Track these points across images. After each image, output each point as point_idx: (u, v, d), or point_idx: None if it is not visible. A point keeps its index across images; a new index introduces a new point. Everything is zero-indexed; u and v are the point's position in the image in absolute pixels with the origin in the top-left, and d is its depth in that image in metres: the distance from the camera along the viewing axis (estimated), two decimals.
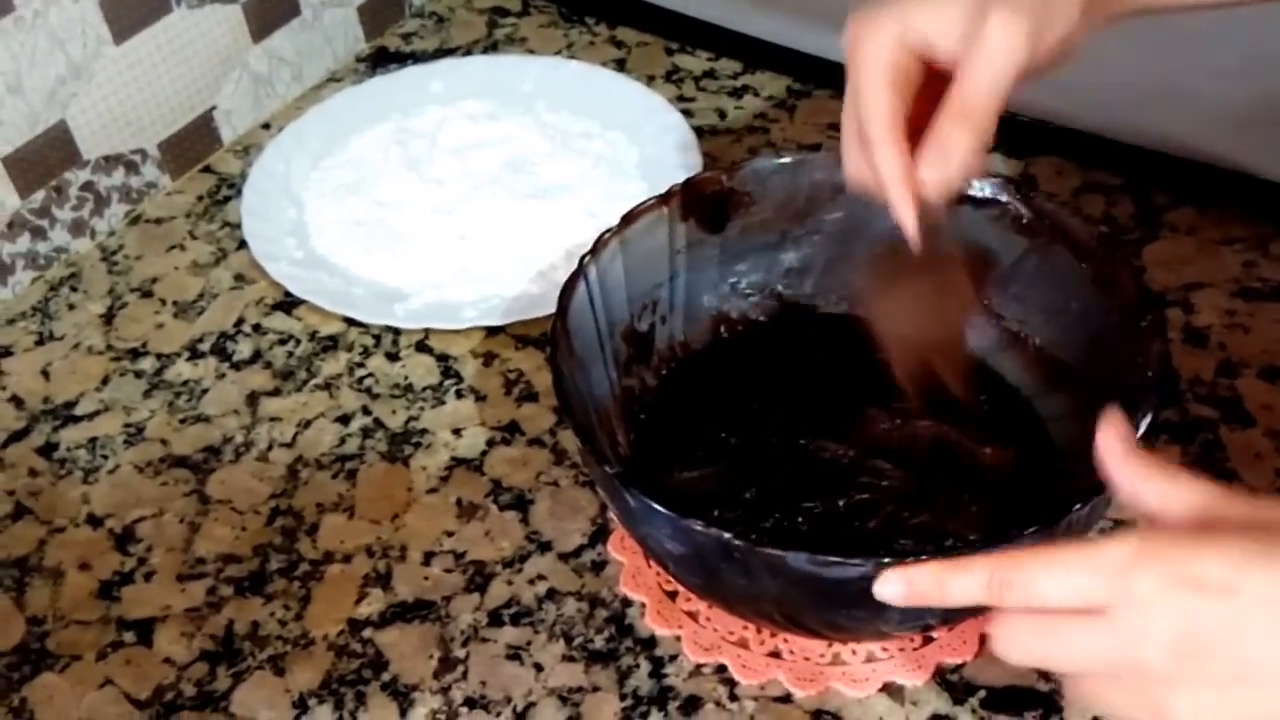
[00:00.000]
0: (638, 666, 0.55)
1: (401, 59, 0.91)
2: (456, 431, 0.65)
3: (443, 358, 0.69)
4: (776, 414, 0.60)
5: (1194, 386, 0.64)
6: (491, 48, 0.92)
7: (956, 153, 0.47)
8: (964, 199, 0.59)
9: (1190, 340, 0.66)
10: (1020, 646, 0.37)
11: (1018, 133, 0.79)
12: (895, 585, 0.40)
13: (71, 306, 0.74)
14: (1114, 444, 0.40)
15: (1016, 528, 0.44)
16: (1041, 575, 0.37)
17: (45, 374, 0.70)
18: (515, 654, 0.55)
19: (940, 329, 0.54)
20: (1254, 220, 0.72)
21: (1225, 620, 0.34)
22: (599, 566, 0.59)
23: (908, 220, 0.49)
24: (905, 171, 0.48)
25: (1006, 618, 0.38)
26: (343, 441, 0.65)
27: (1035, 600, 0.37)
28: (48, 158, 0.73)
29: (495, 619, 0.57)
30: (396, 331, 0.71)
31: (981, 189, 0.58)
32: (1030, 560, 0.37)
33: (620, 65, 0.88)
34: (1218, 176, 0.73)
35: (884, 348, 0.55)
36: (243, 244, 0.76)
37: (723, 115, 0.84)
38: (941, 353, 0.54)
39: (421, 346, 0.70)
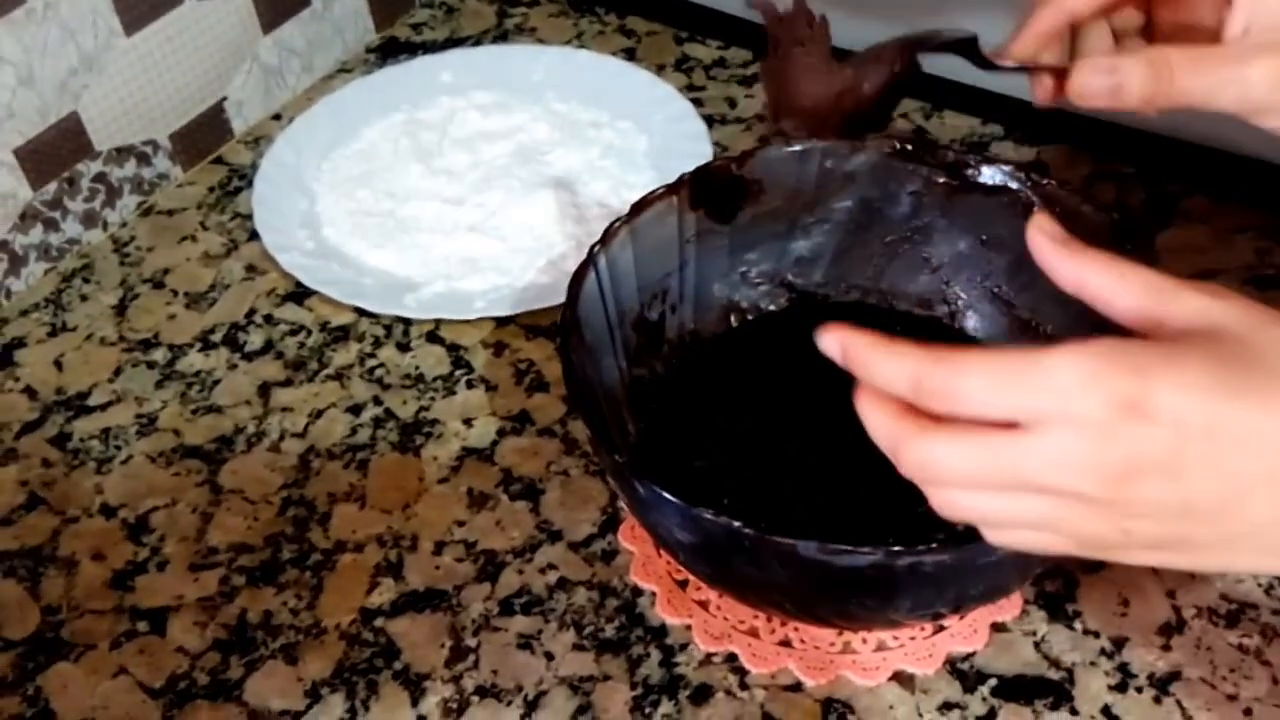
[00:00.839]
0: (648, 655, 0.55)
1: (411, 49, 0.91)
2: (467, 421, 0.65)
3: (453, 348, 0.69)
4: (786, 403, 0.60)
5: None
6: (501, 38, 0.92)
7: (1133, 86, 0.43)
8: (974, 186, 0.59)
9: None
10: (939, 464, 0.34)
11: (1030, 120, 0.78)
12: (832, 344, 0.36)
13: (84, 298, 0.74)
14: (1044, 239, 0.37)
15: None
16: (976, 389, 0.33)
17: (58, 365, 0.70)
18: (526, 643, 0.55)
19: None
20: (1268, 208, 0.72)
21: (1168, 452, 0.32)
22: (609, 556, 0.59)
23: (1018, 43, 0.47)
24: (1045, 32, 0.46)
25: (924, 437, 0.34)
26: (354, 432, 0.65)
27: (960, 410, 0.33)
28: (60, 149, 0.73)
29: (506, 608, 0.57)
30: (407, 322, 0.71)
31: (992, 176, 0.58)
32: (967, 369, 0.33)
33: (630, 55, 0.88)
34: (1231, 164, 0.73)
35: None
36: (254, 235, 0.76)
37: (733, 104, 0.84)
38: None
39: (432, 337, 0.70)
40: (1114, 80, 0.44)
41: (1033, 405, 0.33)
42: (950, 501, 0.35)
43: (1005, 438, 0.33)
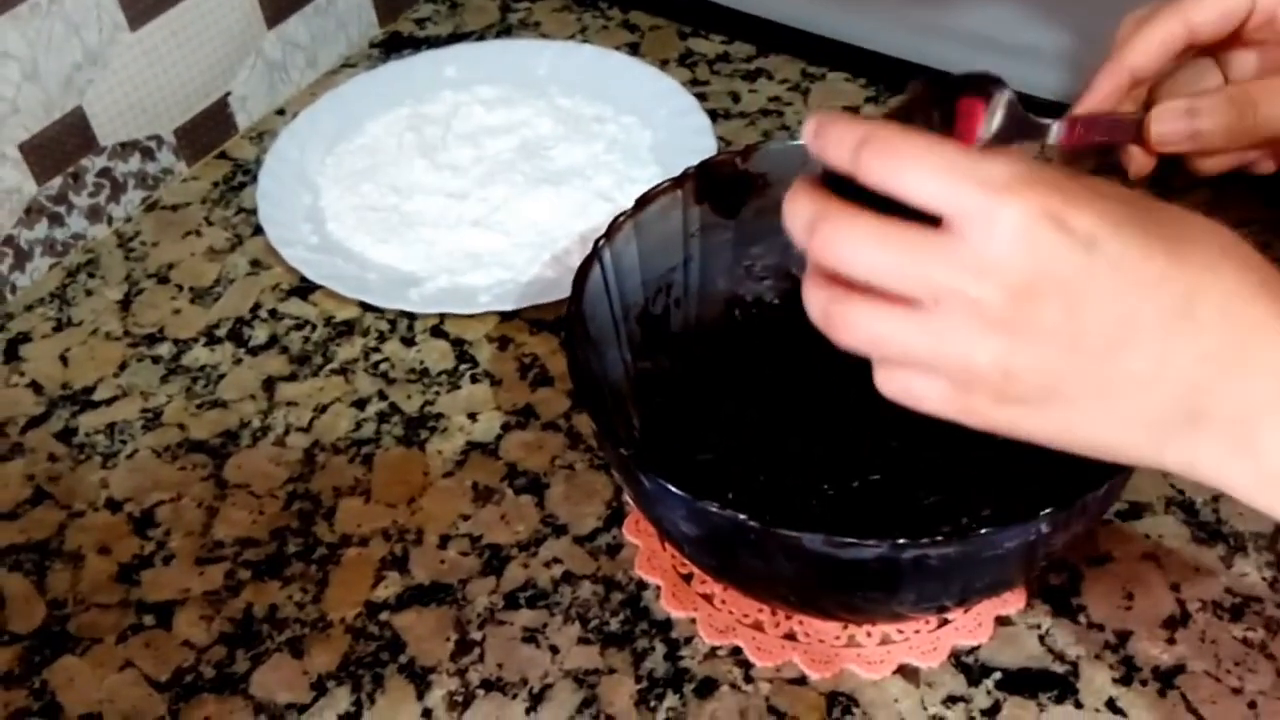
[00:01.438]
0: (653, 649, 0.55)
1: (415, 44, 0.91)
2: (472, 416, 0.65)
3: (458, 342, 0.69)
4: (791, 396, 0.60)
5: None
6: (505, 32, 0.92)
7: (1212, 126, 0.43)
8: None
9: None
10: (849, 251, 0.34)
11: (1031, 113, 0.78)
12: (809, 124, 0.37)
13: (89, 293, 0.74)
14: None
15: (1032, 508, 0.44)
16: (910, 163, 0.33)
17: (64, 360, 0.70)
18: (531, 636, 0.56)
19: None
20: (1269, 203, 0.72)
21: (1075, 273, 0.32)
22: (614, 549, 0.59)
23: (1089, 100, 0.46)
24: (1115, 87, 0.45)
25: (844, 215, 0.34)
26: (359, 426, 0.65)
27: (889, 184, 0.33)
28: (64, 144, 0.73)
29: (511, 602, 0.57)
30: (411, 316, 0.71)
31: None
32: (913, 142, 0.34)
33: (634, 49, 0.88)
34: None
35: None
36: (258, 230, 0.76)
37: (737, 99, 0.84)
38: None
39: (436, 331, 0.70)
40: (1193, 123, 0.44)
41: (959, 198, 0.33)
42: (851, 319, 0.36)
43: (923, 232, 0.33)
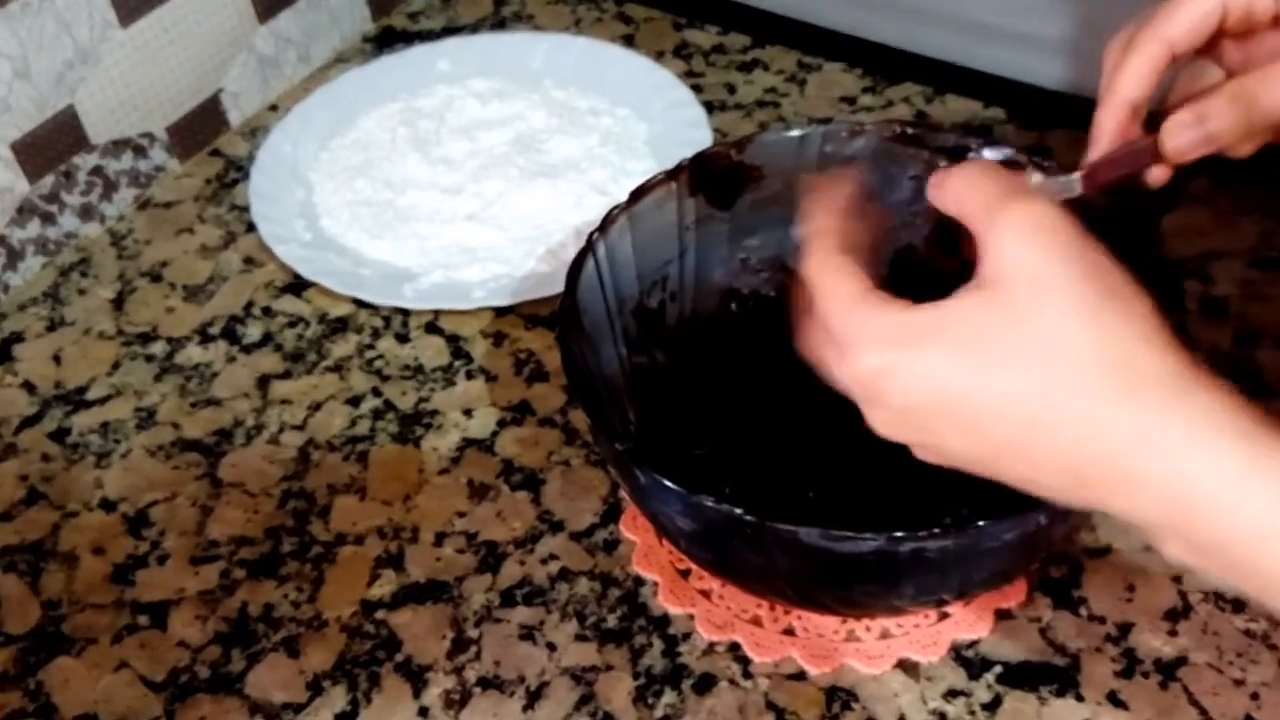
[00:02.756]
0: (651, 645, 0.54)
1: (408, 38, 0.91)
2: (467, 412, 0.65)
3: (452, 338, 0.69)
4: (788, 390, 0.59)
5: (1212, 358, 0.63)
6: (499, 25, 0.91)
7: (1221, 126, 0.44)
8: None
9: (1208, 311, 0.66)
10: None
11: (1032, 104, 0.78)
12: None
13: (82, 292, 0.74)
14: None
15: (1027, 503, 0.43)
16: (825, 311, 0.41)
17: (56, 359, 0.70)
18: (528, 634, 0.55)
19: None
20: (1271, 189, 0.71)
21: (922, 416, 0.39)
22: (611, 546, 0.58)
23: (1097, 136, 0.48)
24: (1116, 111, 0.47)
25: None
26: (353, 423, 0.65)
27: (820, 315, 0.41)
28: (56, 143, 0.73)
29: (508, 599, 0.57)
30: (406, 313, 0.70)
31: (994, 159, 0.58)
32: (829, 296, 0.41)
33: (628, 41, 0.88)
34: None
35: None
36: (251, 227, 0.76)
37: (732, 90, 0.83)
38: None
39: (431, 327, 0.70)
40: (1203, 129, 0.44)
41: (836, 346, 0.41)
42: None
43: (833, 349, 0.41)
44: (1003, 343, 0.37)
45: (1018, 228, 0.38)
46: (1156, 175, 0.49)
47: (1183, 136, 0.45)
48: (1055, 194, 0.47)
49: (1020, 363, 0.37)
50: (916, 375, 0.38)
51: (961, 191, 0.40)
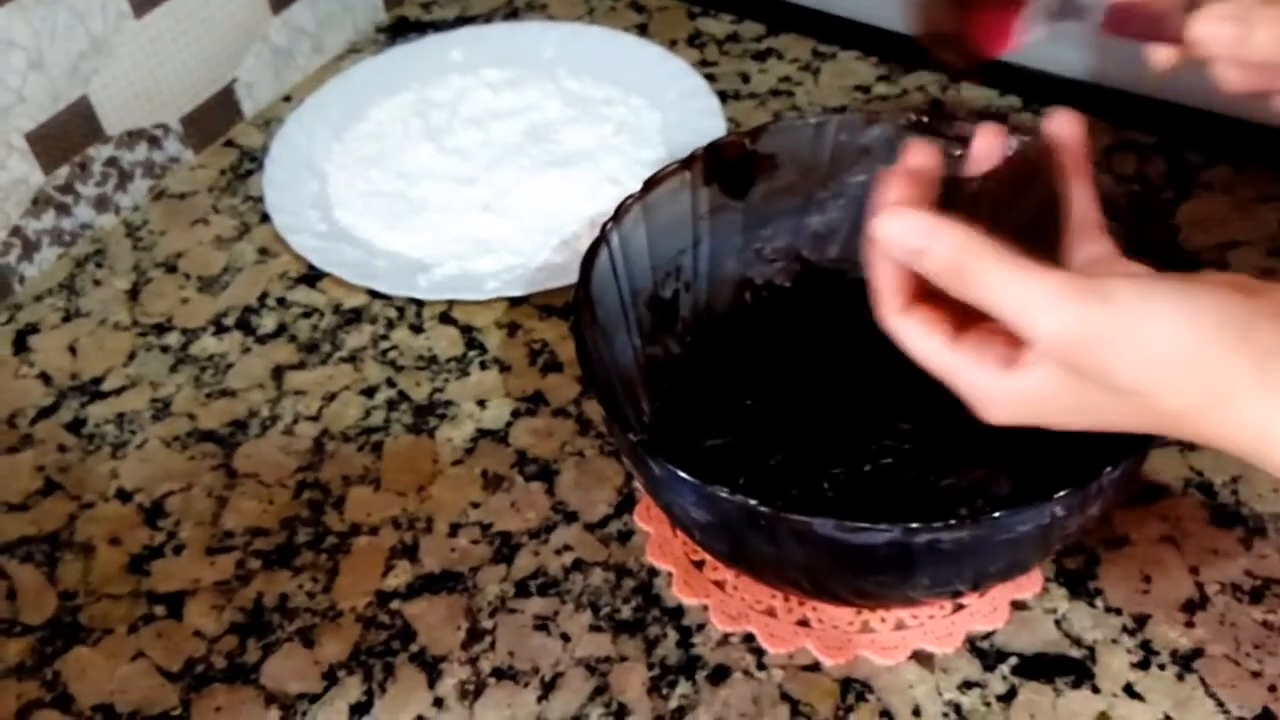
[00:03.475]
0: (665, 636, 0.54)
1: (421, 28, 0.90)
2: (481, 403, 0.65)
3: (466, 329, 0.69)
4: (801, 379, 0.59)
5: None
6: (512, 15, 0.91)
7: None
8: None
9: None
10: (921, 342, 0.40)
11: (1047, 90, 0.77)
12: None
13: (97, 283, 0.74)
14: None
15: (1045, 490, 0.43)
16: (989, 294, 0.38)
17: (72, 350, 0.70)
18: (542, 624, 0.55)
19: None
20: None
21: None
22: (625, 536, 0.58)
23: None
24: None
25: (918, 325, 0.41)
26: (368, 414, 0.65)
27: (969, 297, 0.38)
28: (71, 134, 0.73)
29: (522, 590, 0.57)
30: (420, 303, 0.70)
31: (1009, 148, 0.57)
32: (987, 267, 0.38)
33: (642, 30, 0.87)
34: (1253, 133, 0.72)
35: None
36: (265, 218, 0.76)
37: (746, 79, 0.83)
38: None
39: (445, 318, 0.70)
40: (1244, 30, 0.42)
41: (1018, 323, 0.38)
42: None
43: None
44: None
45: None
46: (1161, 56, 0.47)
47: (1220, 26, 0.43)
48: (1073, 17, 0.46)
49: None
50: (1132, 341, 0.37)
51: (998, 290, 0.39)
